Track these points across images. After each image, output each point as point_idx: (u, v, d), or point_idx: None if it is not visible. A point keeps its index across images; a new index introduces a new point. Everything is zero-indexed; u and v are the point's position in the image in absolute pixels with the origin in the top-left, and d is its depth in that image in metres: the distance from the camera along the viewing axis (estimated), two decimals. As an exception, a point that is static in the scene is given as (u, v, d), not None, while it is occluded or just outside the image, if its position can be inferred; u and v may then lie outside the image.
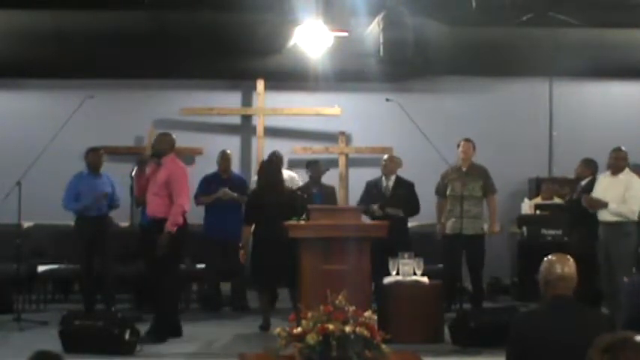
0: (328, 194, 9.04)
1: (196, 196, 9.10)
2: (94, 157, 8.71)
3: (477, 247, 8.40)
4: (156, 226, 7.12)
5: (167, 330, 7.16)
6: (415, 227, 9.18)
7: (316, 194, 8.76)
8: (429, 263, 7.73)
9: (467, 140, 8.59)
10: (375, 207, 8.52)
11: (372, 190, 8.77)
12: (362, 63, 9.58)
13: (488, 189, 8.55)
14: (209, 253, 9.05)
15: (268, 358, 5.62)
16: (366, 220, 8.20)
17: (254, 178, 9.17)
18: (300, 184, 9.11)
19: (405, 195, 8.68)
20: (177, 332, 7.30)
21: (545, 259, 3.77)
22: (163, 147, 7.42)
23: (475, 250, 8.39)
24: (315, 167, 9.09)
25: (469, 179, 8.43)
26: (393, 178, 8.78)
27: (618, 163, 7.84)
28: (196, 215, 9.16)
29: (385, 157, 9.00)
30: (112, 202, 8.68)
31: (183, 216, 7.21)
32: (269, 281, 7.84)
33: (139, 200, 7.67)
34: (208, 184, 9.13)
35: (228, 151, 9.39)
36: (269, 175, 7.95)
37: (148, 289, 7.67)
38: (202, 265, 9.17)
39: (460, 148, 8.56)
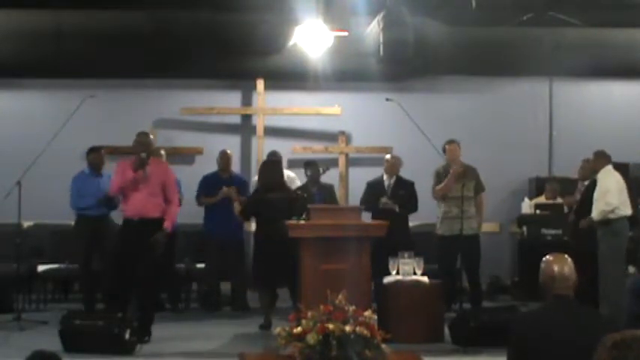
0: (327, 193, 9.03)
1: (198, 197, 9.11)
2: (95, 157, 8.71)
3: (474, 246, 8.41)
4: (150, 226, 7.09)
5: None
6: (415, 227, 9.18)
7: (315, 193, 8.75)
8: (430, 263, 7.74)
9: (452, 142, 8.56)
10: (384, 199, 8.61)
11: (374, 189, 8.77)
12: (362, 63, 9.57)
13: (479, 188, 8.58)
14: (209, 252, 9.06)
15: (268, 358, 5.62)
16: (365, 219, 8.20)
17: (254, 178, 9.17)
18: (299, 183, 9.10)
19: (405, 195, 8.71)
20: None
21: (544, 259, 3.76)
22: (153, 148, 7.43)
23: (473, 249, 8.40)
24: (313, 167, 9.10)
25: (464, 180, 8.42)
26: (394, 177, 8.81)
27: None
28: (196, 215, 9.18)
29: (388, 156, 9.00)
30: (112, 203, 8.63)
31: None
32: (270, 281, 7.84)
33: (111, 198, 7.88)
34: (208, 184, 9.14)
35: (229, 151, 9.40)
36: (268, 176, 7.97)
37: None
38: (202, 265, 9.18)
39: (448, 153, 8.53)
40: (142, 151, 7.14)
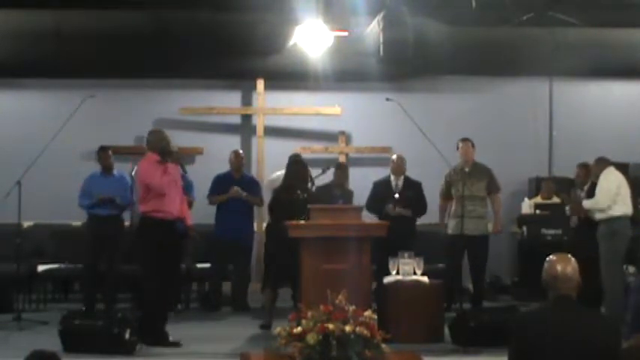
0: (348, 198, 8.97)
1: (209, 196, 9.12)
2: (101, 157, 8.73)
3: (480, 247, 8.40)
4: (174, 225, 7.11)
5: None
6: (418, 227, 9.17)
7: (337, 196, 8.65)
8: (432, 263, 7.72)
9: (465, 140, 8.58)
10: (390, 206, 8.55)
11: (382, 189, 8.75)
12: (362, 63, 9.57)
13: (492, 188, 8.57)
14: (218, 253, 9.05)
15: (269, 358, 5.62)
16: (365, 219, 8.18)
17: (275, 174, 9.09)
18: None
19: (413, 196, 8.69)
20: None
21: (547, 259, 3.75)
22: None
23: (478, 250, 8.39)
24: (343, 171, 9.08)
25: (473, 179, 8.43)
26: (402, 177, 8.79)
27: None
28: (207, 215, 9.17)
29: (394, 156, 8.95)
30: (121, 203, 8.58)
31: None
32: (281, 280, 7.83)
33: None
34: (220, 183, 9.15)
35: (241, 151, 9.43)
36: (287, 177, 7.97)
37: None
38: (205, 265, 9.18)
39: (460, 150, 8.55)
40: (166, 145, 7.09)
